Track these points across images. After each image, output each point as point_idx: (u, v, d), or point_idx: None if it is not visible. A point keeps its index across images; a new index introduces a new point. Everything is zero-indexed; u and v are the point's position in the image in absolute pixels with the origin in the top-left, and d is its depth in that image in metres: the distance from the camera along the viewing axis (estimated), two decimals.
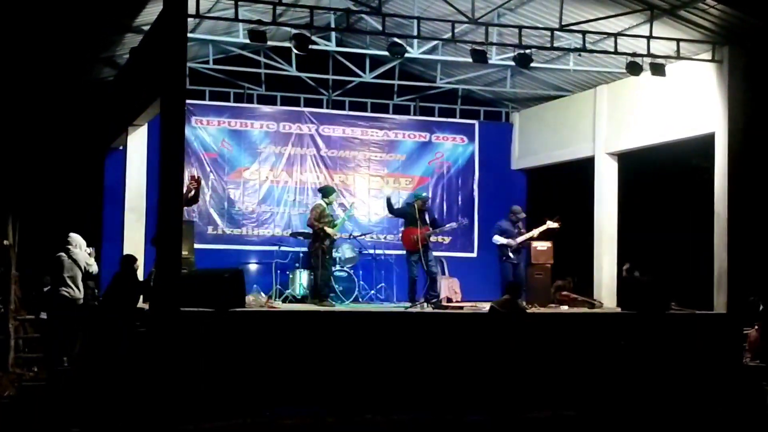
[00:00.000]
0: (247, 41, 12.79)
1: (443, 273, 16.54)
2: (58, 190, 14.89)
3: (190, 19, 11.57)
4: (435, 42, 14.66)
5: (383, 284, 15.82)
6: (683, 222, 14.96)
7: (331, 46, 14.62)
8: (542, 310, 13.76)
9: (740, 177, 13.17)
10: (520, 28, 13.22)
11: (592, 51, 13.82)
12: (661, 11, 13.08)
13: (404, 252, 14.39)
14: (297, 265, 15.15)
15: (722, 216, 13.26)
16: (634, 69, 13.46)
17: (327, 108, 17.34)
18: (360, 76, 16.31)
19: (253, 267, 15.88)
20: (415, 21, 13.13)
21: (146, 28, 12.72)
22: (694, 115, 13.91)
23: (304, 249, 14.93)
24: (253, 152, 16.69)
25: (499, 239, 14.54)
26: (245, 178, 16.62)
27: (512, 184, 18.01)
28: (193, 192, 12.93)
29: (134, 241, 13.60)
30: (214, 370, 10.57)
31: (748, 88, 13.21)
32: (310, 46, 12.81)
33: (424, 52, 14.79)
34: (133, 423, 10.12)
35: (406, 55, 13.79)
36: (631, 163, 15.82)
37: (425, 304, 13.50)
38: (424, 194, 14.90)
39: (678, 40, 13.36)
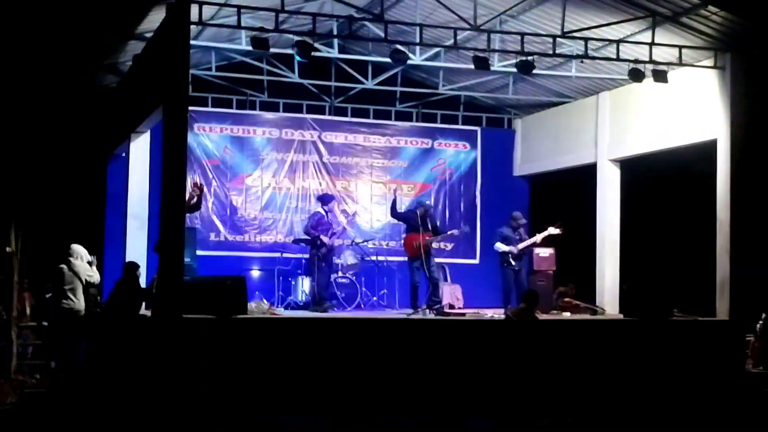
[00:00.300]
0: (250, 48, 12.81)
1: (445, 279, 16.54)
2: (60, 196, 14.89)
3: (192, 27, 11.59)
4: (437, 49, 14.68)
5: (385, 291, 15.83)
6: (686, 228, 14.94)
7: (334, 53, 14.62)
8: (545, 316, 13.74)
9: (743, 183, 13.16)
10: (523, 35, 13.24)
11: (594, 58, 13.82)
12: (663, 18, 13.09)
13: (406, 258, 14.41)
14: (299, 271, 15.17)
15: (725, 222, 13.26)
16: (636, 75, 13.48)
17: (329, 115, 17.36)
18: (362, 83, 16.33)
19: (255, 274, 15.89)
20: (418, 28, 13.15)
21: (149, 35, 12.74)
22: (696, 122, 13.91)
23: (307, 255, 14.96)
24: (256, 159, 16.72)
25: (500, 246, 14.54)
26: (248, 184, 16.64)
27: (515, 191, 18.01)
28: (195, 199, 12.96)
29: (136, 247, 13.60)
30: (216, 377, 10.57)
31: (750, 94, 13.20)
32: (313, 53, 12.83)
33: (426, 59, 14.80)
34: (135, 430, 10.11)
35: (409, 61, 13.82)
36: (634, 170, 15.81)
37: (427, 311, 13.50)
38: (428, 202, 14.92)
39: (680, 47, 13.37)
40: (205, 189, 15.09)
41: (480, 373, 11.43)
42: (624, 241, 15.75)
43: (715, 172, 13.48)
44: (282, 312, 13.55)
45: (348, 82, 16.46)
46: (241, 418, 10.61)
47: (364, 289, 15.26)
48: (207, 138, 16.41)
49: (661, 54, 13.46)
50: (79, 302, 12.28)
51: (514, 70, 13.76)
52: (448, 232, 14.92)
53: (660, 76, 13.47)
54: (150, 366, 10.43)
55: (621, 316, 13.84)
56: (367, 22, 14.10)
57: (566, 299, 14.83)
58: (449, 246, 17.27)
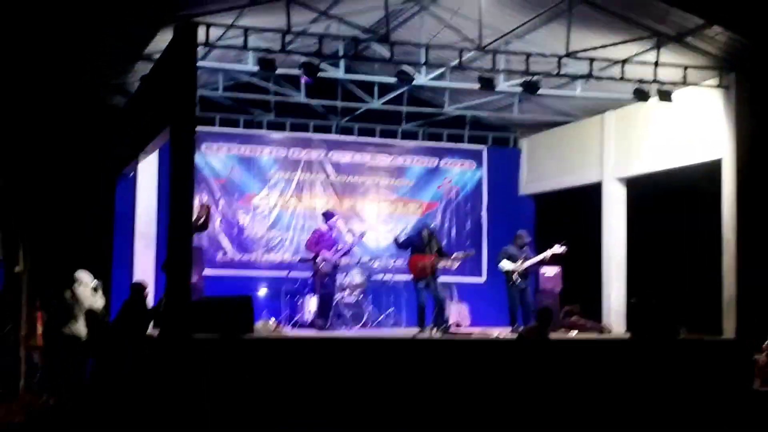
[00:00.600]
0: (257, 69, 12.89)
1: (452, 298, 16.57)
2: (69, 216, 14.96)
3: (200, 48, 11.69)
4: (443, 69, 14.74)
5: (392, 310, 15.84)
6: (692, 247, 14.95)
7: (340, 74, 14.69)
8: (551, 335, 13.73)
9: (748, 202, 13.19)
10: (528, 55, 13.30)
11: (599, 77, 13.87)
12: (667, 38, 13.15)
13: (413, 278, 14.42)
14: (306, 290, 15.21)
15: (731, 241, 13.28)
16: (641, 95, 13.54)
17: (336, 134, 17.44)
18: (368, 103, 16.41)
19: (262, 293, 15.93)
20: (423, 48, 13.22)
21: (157, 56, 12.83)
22: (701, 141, 13.96)
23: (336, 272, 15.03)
24: (263, 178, 16.79)
25: (505, 265, 14.56)
26: (255, 203, 16.71)
27: (520, 210, 18.05)
28: (203, 219, 13.02)
29: (144, 267, 13.70)
30: (223, 397, 10.59)
31: (754, 114, 13.24)
32: (319, 74, 12.91)
33: (432, 79, 14.85)
34: None
35: (414, 81, 13.88)
36: (639, 189, 15.84)
37: (434, 330, 13.52)
38: (433, 225, 14.94)
39: (685, 67, 13.43)
40: (213, 209, 15.15)
41: (488, 393, 11.43)
42: (630, 260, 15.77)
43: (720, 191, 13.51)
44: (289, 331, 13.57)
45: (354, 101, 16.54)
46: None
47: (371, 308, 15.28)
48: (214, 158, 16.49)
49: (665, 74, 13.52)
50: (79, 329, 12.30)
51: (520, 89, 13.81)
52: (452, 256, 14.84)
53: (665, 96, 13.52)
54: (157, 386, 10.46)
55: (628, 335, 13.86)
56: (372, 43, 14.18)
57: (573, 318, 14.84)
58: (455, 265, 17.24)
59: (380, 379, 11.38)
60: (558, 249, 14.64)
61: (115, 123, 15.10)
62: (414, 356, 11.76)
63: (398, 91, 16.35)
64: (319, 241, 14.52)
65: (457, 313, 16.15)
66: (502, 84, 14.34)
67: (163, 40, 12.09)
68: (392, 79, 13.74)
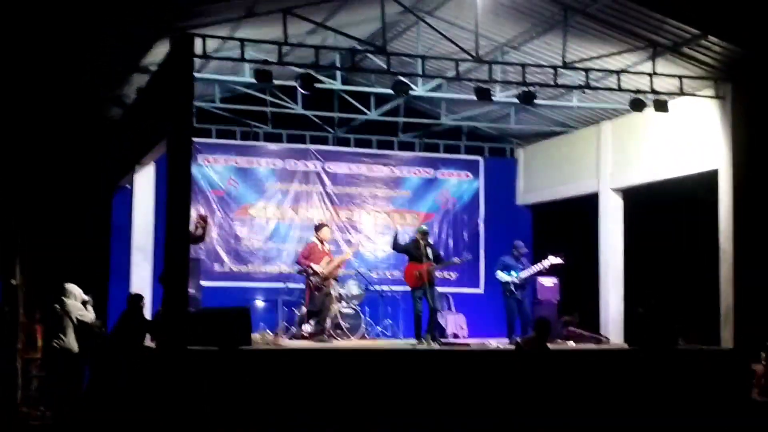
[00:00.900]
0: (254, 80, 12.90)
1: (449, 309, 16.56)
2: (66, 228, 14.94)
3: (196, 59, 11.70)
4: (439, 80, 14.77)
5: (390, 320, 15.83)
6: (689, 257, 14.96)
7: (337, 85, 14.72)
8: (549, 346, 13.71)
9: (745, 212, 13.20)
10: (524, 65, 13.33)
11: (595, 88, 13.91)
12: (663, 48, 13.20)
13: (409, 288, 14.41)
14: (303, 301, 15.18)
15: (728, 251, 13.29)
16: (637, 105, 13.55)
17: (333, 145, 17.46)
18: (365, 114, 16.43)
19: (259, 304, 15.91)
20: (420, 59, 13.24)
21: (154, 68, 12.85)
22: (697, 151, 13.98)
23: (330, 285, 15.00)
24: (260, 189, 16.79)
25: (502, 276, 14.56)
26: (252, 215, 16.71)
27: (517, 220, 18.06)
28: (200, 231, 13.02)
29: (141, 279, 13.67)
30: (221, 409, 10.57)
31: (751, 124, 13.26)
32: (316, 85, 12.93)
33: (428, 90, 14.89)
34: None
35: (411, 92, 13.89)
36: (636, 199, 15.86)
37: (432, 341, 13.50)
38: (424, 227, 14.97)
39: (681, 77, 13.45)
40: (210, 220, 15.14)
41: (486, 403, 11.41)
42: (627, 270, 15.77)
43: (717, 201, 13.52)
44: (286, 343, 13.55)
45: (351, 112, 16.55)
46: None
47: (368, 319, 15.26)
48: (211, 169, 16.49)
49: (662, 84, 13.54)
50: (69, 342, 12.26)
51: (516, 100, 13.83)
52: (451, 260, 14.91)
53: (661, 106, 13.54)
54: (155, 397, 10.45)
55: (626, 346, 13.85)
56: (369, 54, 14.20)
57: (570, 328, 14.83)
58: (453, 275, 17.30)
59: (378, 389, 11.37)
60: (555, 259, 14.63)
61: (111, 135, 15.10)
62: (412, 367, 11.75)
63: (395, 102, 16.38)
64: (309, 255, 14.53)
65: (455, 323, 16.13)
66: (499, 95, 14.36)
67: (160, 51, 12.11)
68: (389, 90, 13.75)
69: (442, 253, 15.20)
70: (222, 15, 11.90)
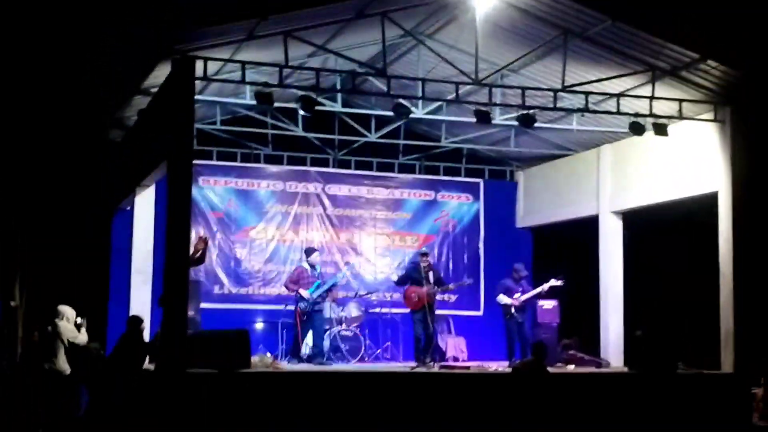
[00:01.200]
0: (254, 103, 12.94)
1: (449, 332, 16.53)
2: (65, 250, 14.94)
3: (197, 81, 11.74)
4: (439, 102, 14.82)
5: (389, 343, 15.80)
6: (689, 280, 14.95)
7: (337, 107, 14.77)
8: (549, 369, 13.68)
9: (745, 236, 13.20)
10: (524, 89, 13.37)
11: (595, 111, 13.96)
12: (663, 72, 13.24)
13: (409, 310, 14.39)
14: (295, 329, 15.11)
15: (727, 275, 13.27)
16: (637, 129, 13.57)
17: (333, 167, 17.47)
18: (366, 136, 16.46)
19: (259, 326, 15.89)
20: (420, 82, 13.28)
21: (155, 90, 12.89)
22: (697, 174, 13.99)
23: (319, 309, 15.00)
24: (260, 211, 16.80)
25: (502, 298, 14.54)
26: (252, 237, 16.70)
27: (517, 243, 18.05)
28: (200, 253, 13.02)
29: (141, 301, 13.63)
30: None
31: (750, 147, 13.28)
32: (316, 107, 12.96)
33: (428, 113, 14.94)
34: None
35: (411, 115, 13.93)
36: (636, 222, 15.86)
37: (431, 364, 13.48)
38: (425, 249, 14.95)
39: (680, 101, 13.50)
40: (210, 242, 15.13)
41: (485, 427, 11.37)
42: (627, 293, 15.75)
43: (717, 224, 13.52)
44: (285, 365, 13.52)
45: (351, 135, 16.59)
46: None
47: (367, 341, 15.23)
48: (211, 191, 16.50)
49: (661, 108, 13.58)
50: (60, 363, 12.23)
51: (516, 123, 13.87)
52: (450, 285, 14.85)
53: (660, 130, 13.56)
54: (153, 420, 10.41)
55: (626, 369, 13.81)
56: (370, 77, 14.25)
57: (571, 352, 14.80)
58: (453, 298, 17.28)
59: (377, 413, 11.32)
60: (555, 282, 14.63)
61: (112, 156, 15.13)
62: (411, 390, 11.71)
63: (395, 125, 16.42)
64: (298, 280, 14.50)
65: (454, 346, 16.10)
66: (499, 117, 14.40)
67: (161, 74, 12.15)
68: (389, 113, 13.80)
69: (443, 275, 15.19)
70: (223, 38, 11.96)
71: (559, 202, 17.21)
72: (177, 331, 10.68)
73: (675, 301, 15.06)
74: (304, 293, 14.28)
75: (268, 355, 13.50)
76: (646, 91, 13.42)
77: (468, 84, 13.35)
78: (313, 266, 14.65)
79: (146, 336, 12.54)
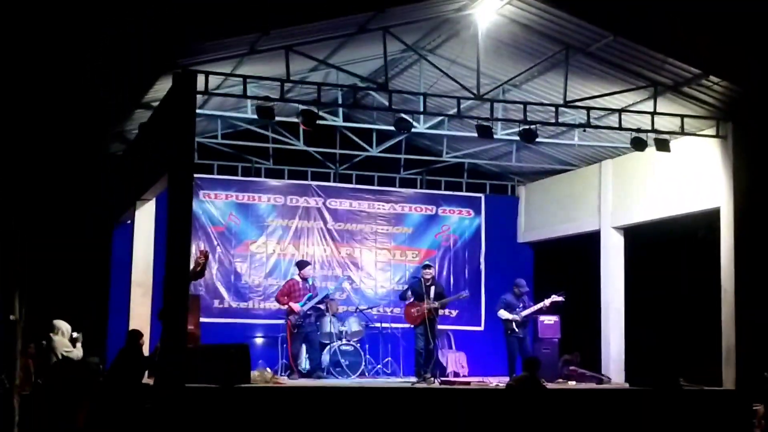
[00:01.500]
0: (255, 117, 12.94)
1: (450, 347, 16.48)
2: (65, 264, 14.93)
3: (199, 96, 11.75)
4: (441, 117, 14.82)
5: (390, 358, 15.75)
6: (690, 296, 14.92)
7: (339, 122, 14.78)
8: (550, 385, 13.64)
9: (746, 252, 13.17)
10: (525, 104, 13.38)
11: (596, 126, 13.95)
12: (664, 87, 13.24)
13: (410, 325, 14.36)
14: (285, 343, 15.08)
15: (729, 290, 13.24)
16: (638, 144, 13.55)
17: (334, 181, 17.46)
18: (367, 150, 16.46)
19: (259, 341, 15.84)
20: (421, 97, 13.28)
21: (156, 103, 12.89)
22: (699, 190, 13.97)
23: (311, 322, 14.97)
24: (260, 225, 16.77)
25: (503, 314, 14.51)
26: (252, 251, 16.67)
27: (519, 258, 18.02)
28: (200, 266, 13.00)
29: (141, 315, 13.60)
30: None
31: (752, 163, 13.27)
32: (318, 122, 12.96)
33: (430, 127, 14.95)
34: None
35: (413, 129, 13.93)
36: (637, 237, 15.84)
37: (432, 379, 13.44)
38: (428, 263, 14.93)
39: (682, 116, 13.49)
40: (210, 256, 15.10)
41: None
42: (629, 309, 15.71)
43: (718, 239, 13.49)
44: (285, 380, 13.48)
45: (353, 149, 16.59)
46: None
47: (368, 356, 15.19)
48: (212, 205, 16.48)
49: (663, 123, 13.58)
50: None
51: (518, 138, 13.86)
52: (446, 299, 14.72)
53: (662, 145, 13.55)
54: None
55: (627, 385, 13.76)
56: (371, 92, 14.26)
57: (571, 368, 14.75)
58: (454, 313, 17.23)
59: (378, 428, 11.29)
60: (556, 297, 14.59)
61: (113, 170, 15.14)
62: (411, 405, 11.66)
63: (396, 139, 16.42)
64: (289, 293, 14.50)
65: (455, 361, 16.05)
66: (500, 132, 14.40)
67: (162, 87, 12.16)
68: (390, 127, 13.79)
69: (444, 289, 15.12)
70: (225, 52, 11.96)
71: (560, 218, 17.19)
72: (177, 346, 10.65)
73: (676, 317, 15.02)
74: (295, 306, 14.29)
75: (268, 369, 13.44)
76: (648, 106, 13.42)
77: (469, 99, 13.35)
78: (305, 279, 14.64)
79: (146, 350, 12.50)
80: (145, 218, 14.07)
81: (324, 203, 17.16)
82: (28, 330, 13.86)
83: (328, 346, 14.67)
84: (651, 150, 13.73)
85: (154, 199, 13.94)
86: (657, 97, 13.25)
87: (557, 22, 12.44)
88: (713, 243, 13.66)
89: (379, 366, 15.47)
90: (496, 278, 17.34)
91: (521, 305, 14.57)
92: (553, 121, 13.58)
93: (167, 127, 11.62)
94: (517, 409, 11.15)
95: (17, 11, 13.34)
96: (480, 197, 18.19)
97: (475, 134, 13.50)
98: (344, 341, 14.85)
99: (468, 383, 13.64)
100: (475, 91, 13.08)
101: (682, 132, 13.60)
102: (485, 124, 13.38)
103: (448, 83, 13.66)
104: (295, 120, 13.69)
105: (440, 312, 14.49)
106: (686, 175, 14.23)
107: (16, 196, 14.36)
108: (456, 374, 15.67)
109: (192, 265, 12.56)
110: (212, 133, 15.81)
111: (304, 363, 14.71)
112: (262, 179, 16.98)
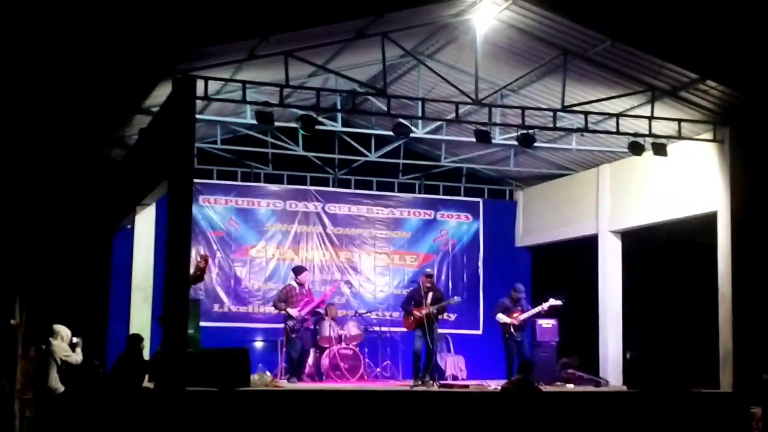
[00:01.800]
0: (255, 122, 12.98)
1: (448, 350, 16.51)
2: (65, 269, 14.97)
3: (198, 101, 11.79)
4: (439, 122, 14.87)
5: (389, 362, 15.79)
6: (688, 300, 14.96)
7: (337, 127, 14.83)
8: (548, 388, 13.69)
9: (744, 255, 13.21)
10: (523, 108, 13.43)
11: (594, 131, 14.01)
12: (662, 92, 13.30)
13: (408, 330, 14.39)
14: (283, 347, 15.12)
15: (726, 294, 13.28)
16: (636, 148, 13.60)
17: (333, 186, 17.51)
18: (366, 155, 16.51)
19: (258, 345, 15.88)
20: (420, 102, 13.34)
21: (155, 109, 12.94)
22: (696, 194, 14.02)
23: (311, 327, 15.02)
24: (260, 230, 16.82)
25: (501, 317, 14.55)
26: (252, 256, 16.71)
27: (517, 262, 18.07)
28: (200, 271, 13.04)
29: (141, 320, 13.63)
30: None
31: (749, 167, 13.32)
32: (317, 127, 13.01)
33: (428, 132, 15.00)
34: None
35: (411, 134, 13.98)
36: (635, 241, 15.88)
37: (431, 382, 13.48)
38: (428, 270, 14.96)
39: (679, 121, 13.55)
40: (210, 261, 15.14)
41: None
42: (626, 312, 15.75)
43: (716, 243, 13.54)
44: (285, 384, 13.52)
45: (351, 154, 16.64)
46: None
47: (367, 360, 15.23)
48: (212, 210, 16.53)
49: (660, 127, 13.63)
50: (52, 382, 12.23)
51: (516, 143, 13.91)
52: (439, 304, 14.62)
53: (660, 150, 13.60)
54: None
55: (625, 388, 13.80)
56: (370, 97, 14.31)
57: (570, 371, 14.79)
58: (453, 317, 17.26)
59: (377, 431, 11.32)
60: (554, 301, 14.63)
61: (113, 175, 15.17)
62: (410, 408, 11.70)
63: (395, 144, 16.47)
64: (286, 298, 14.56)
65: (454, 365, 16.08)
66: (498, 137, 14.44)
67: (161, 93, 12.20)
68: (389, 132, 13.84)
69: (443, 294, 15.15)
70: (224, 57, 12.02)
71: (558, 222, 17.24)
72: (177, 350, 10.69)
73: (674, 320, 15.06)
74: (292, 311, 14.35)
75: (268, 373, 13.48)
76: (646, 111, 13.48)
77: (468, 104, 13.40)
78: (302, 284, 14.70)
79: (146, 354, 12.54)
80: (145, 223, 14.10)
81: (323, 208, 17.21)
82: (29, 334, 13.93)
83: (327, 350, 14.72)
84: (648, 154, 13.77)
85: (154, 205, 13.98)
86: (654, 102, 13.31)
87: (555, 27, 12.50)
88: (710, 247, 13.70)
89: (378, 370, 15.51)
90: (495, 282, 17.38)
91: (519, 309, 14.61)
92: (551, 125, 13.64)
93: (167, 133, 11.66)
94: (513, 411, 11.20)
95: (17, 16, 13.39)
96: (478, 202, 18.24)
97: (474, 139, 13.56)
98: (343, 345, 14.90)
99: (466, 386, 13.67)
100: (473, 96, 13.13)
101: (680, 136, 13.66)
102: (483, 129, 13.43)
103: (446, 88, 13.72)
104: (294, 125, 13.73)
105: (439, 317, 14.50)
106: (683, 179, 14.29)
107: (17, 201, 14.42)
108: (455, 378, 15.71)
109: (192, 270, 12.61)
110: (212, 138, 15.86)
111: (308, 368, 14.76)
112: (262, 184, 17.02)
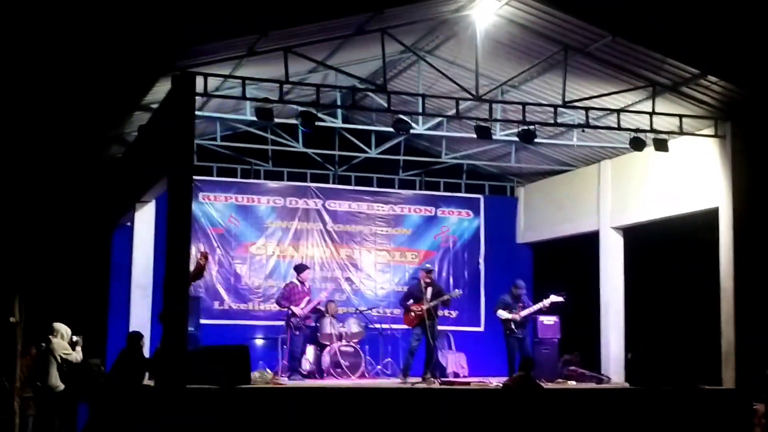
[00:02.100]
0: (255, 118, 12.95)
1: (450, 347, 16.48)
2: (65, 266, 14.95)
3: (198, 97, 11.75)
4: (440, 118, 14.83)
5: (390, 359, 15.76)
6: (690, 296, 14.93)
7: (338, 123, 14.79)
8: (550, 385, 13.66)
9: (745, 251, 13.18)
10: (524, 104, 13.39)
11: (595, 127, 13.96)
12: (663, 88, 13.26)
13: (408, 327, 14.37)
14: (285, 345, 15.09)
15: (728, 290, 13.25)
16: (637, 144, 13.57)
17: (333, 183, 17.47)
18: (366, 152, 16.47)
19: (259, 342, 15.85)
20: (420, 98, 13.29)
21: (155, 106, 12.90)
22: (697, 190, 13.99)
23: (312, 324, 14.99)
24: (260, 227, 16.78)
25: (502, 314, 14.52)
26: (252, 253, 16.68)
27: (518, 258, 18.03)
28: (200, 268, 13.02)
29: (141, 317, 13.61)
30: None
31: (750, 162, 13.29)
32: (317, 123, 12.97)
33: (429, 128, 14.95)
34: None
35: (412, 131, 13.94)
36: (636, 237, 15.85)
37: (432, 380, 13.46)
38: (428, 266, 14.92)
39: (680, 116, 13.50)
40: (210, 258, 15.11)
41: None
42: (628, 309, 15.72)
43: (718, 239, 13.50)
44: (286, 381, 13.49)
45: (352, 151, 16.60)
46: None
47: (368, 357, 15.20)
48: (212, 207, 16.49)
49: (661, 123, 13.59)
50: (51, 380, 12.22)
51: (516, 139, 13.87)
52: (440, 298, 14.55)
53: (661, 145, 13.56)
54: None
55: (626, 385, 13.77)
56: (370, 93, 14.27)
57: (571, 368, 14.76)
58: (454, 314, 17.22)
59: (378, 428, 11.30)
60: (556, 298, 14.60)
61: (112, 172, 15.14)
62: (412, 406, 11.67)
63: (395, 141, 16.43)
64: (289, 296, 14.53)
65: (455, 362, 16.05)
66: (499, 133, 14.41)
67: (161, 90, 12.16)
68: (389, 129, 13.80)
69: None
70: (224, 54, 11.98)
71: (559, 218, 17.20)
72: (177, 347, 10.66)
73: (676, 317, 15.03)
74: (296, 309, 14.32)
75: (268, 370, 13.47)
76: (647, 106, 13.44)
77: (468, 100, 13.37)
78: (303, 282, 14.67)
79: (146, 352, 12.52)
80: (144, 220, 14.08)
81: (323, 205, 17.17)
82: (29, 332, 13.91)
83: (328, 347, 14.70)
84: (650, 150, 13.74)
85: (153, 202, 13.95)
86: (655, 97, 13.27)
87: (556, 23, 12.46)
88: (712, 243, 13.66)
89: (379, 367, 15.48)
90: (496, 279, 17.35)
91: (520, 306, 14.57)
92: (551, 121, 13.59)
93: (166, 130, 11.62)
94: (514, 408, 11.17)
95: (16, 14, 13.36)
96: (479, 198, 18.21)
97: (474, 135, 13.52)
98: (344, 342, 14.87)
99: (468, 383, 13.64)
100: (473, 92, 13.09)
101: (681, 132, 13.62)
102: (484, 125, 13.39)
103: (446, 84, 13.67)
104: (294, 121, 13.69)
105: (440, 313, 14.47)
106: (685, 174, 14.25)
107: (16, 199, 14.39)
108: (456, 375, 15.69)
109: (192, 267, 12.58)
110: (211, 135, 15.82)
111: (305, 365, 14.71)
112: (262, 181, 16.99)
